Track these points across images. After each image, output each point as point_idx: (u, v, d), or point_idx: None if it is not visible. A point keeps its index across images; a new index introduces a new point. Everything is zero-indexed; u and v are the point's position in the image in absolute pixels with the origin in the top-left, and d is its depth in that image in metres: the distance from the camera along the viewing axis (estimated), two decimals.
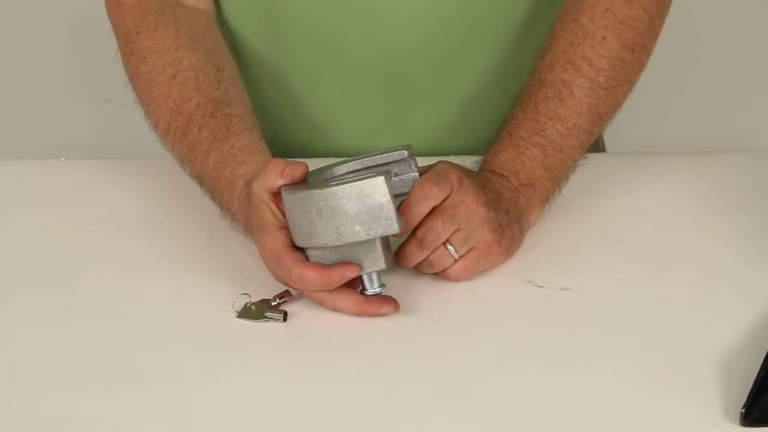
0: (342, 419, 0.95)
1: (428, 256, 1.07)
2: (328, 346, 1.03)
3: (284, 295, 1.07)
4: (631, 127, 2.15)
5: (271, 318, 1.05)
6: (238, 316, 1.06)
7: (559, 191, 1.17)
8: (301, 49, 1.29)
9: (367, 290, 1.05)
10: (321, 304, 1.05)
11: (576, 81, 1.16)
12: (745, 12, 2.19)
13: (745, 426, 0.92)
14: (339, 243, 1.02)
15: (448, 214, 1.06)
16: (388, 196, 1.01)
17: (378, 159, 1.09)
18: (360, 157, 1.09)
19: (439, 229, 1.06)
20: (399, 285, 1.08)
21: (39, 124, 2.25)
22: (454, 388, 0.97)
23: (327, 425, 0.94)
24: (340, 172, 1.08)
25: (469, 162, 1.16)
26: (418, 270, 1.09)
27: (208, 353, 1.02)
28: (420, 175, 1.09)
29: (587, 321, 1.05)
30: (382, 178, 1.00)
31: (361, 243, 1.02)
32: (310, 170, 1.06)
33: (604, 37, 1.18)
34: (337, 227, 1.01)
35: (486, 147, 1.18)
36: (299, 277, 1.03)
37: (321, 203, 1.01)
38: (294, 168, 1.04)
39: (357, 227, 1.01)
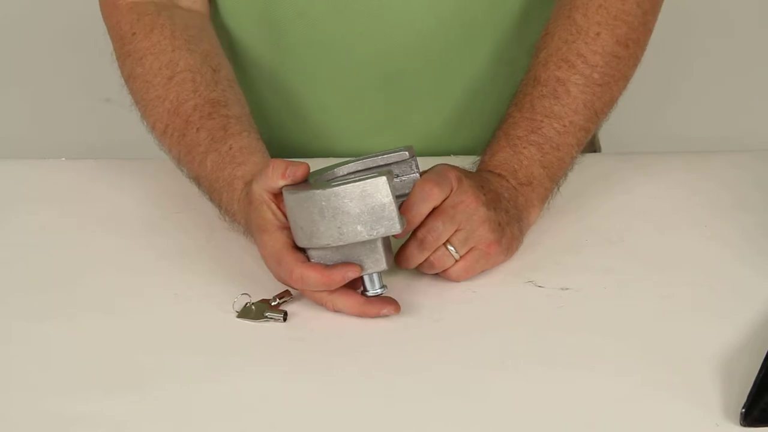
0: (342, 419, 0.95)
1: (429, 256, 1.07)
2: (328, 346, 1.03)
3: (284, 295, 1.07)
4: (631, 127, 2.16)
5: (271, 318, 1.05)
6: (238, 316, 1.06)
7: (558, 189, 1.17)
8: (300, 50, 1.29)
9: (368, 291, 1.05)
10: (322, 305, 1.05)
11: (571, 78, 1.17)
12: (746, 11, 2.19)
13: (745, 426, 0.92)
14: (341, 243, 1.02)
15: (448, 215, 1.06)
16: (391, 196, 1.01)
17: (379, 160, 1.09)
18: (361, 158, 1.09)
19: (440, 229, 1.06)
20: (399, 285, 1.08)
21: (39, 124, 2.25)
22: (454, 388, 0.97)
23: (327, 425, 0.94)
24: (341, 173, 1.08)
25: (467, 162, 1.17)
26: (419, 271, 1.09)
27: (208, 353, 1.02)
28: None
29: (587, 321, 1.05)
30: (384, 178, 1.00)
31: (363, 243, 1.02)
32: (311, 171, 1.06)
33: (598, 34, 1.18)
34: (339, 227, 1.01)
35: (483, 147, 1.18)
36: (300, 277, 1.03)
37: (323, 203, 1.01)
38: (295, 169, 1.04)
39: (359, 227, 1.01)
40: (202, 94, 1.18)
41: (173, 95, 1.18)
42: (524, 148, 1.15)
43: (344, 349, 1.02)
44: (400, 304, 1.05)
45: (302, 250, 1.05)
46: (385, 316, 1.05)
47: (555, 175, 1.16)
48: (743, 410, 0.92)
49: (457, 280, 1.09)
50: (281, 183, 1.05)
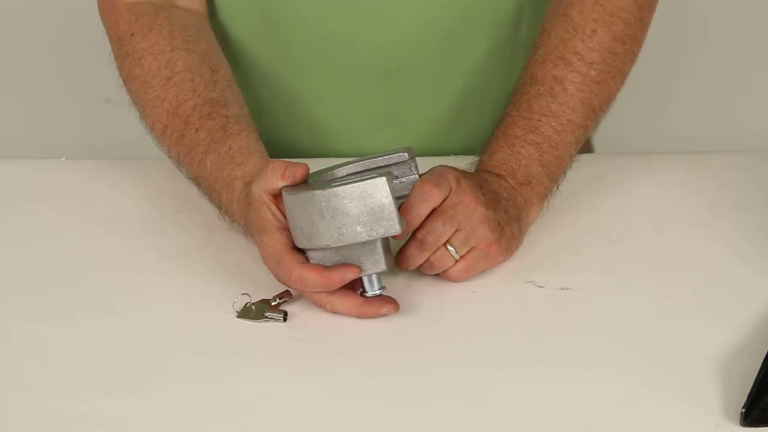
0: (342, 419, 0.95)
1: (429, 257, 1.07)
2: (328, 346, 1.03)
3: (284, 295, 1.07)
4: (631, 127, 2.16)
5: (271, 318, 1.05)
6: (238, 316, 1.06)
7: (557, 188, 1.17)
8: (297, 47, 1.28)
9: (367, 292, 1.05)
10: (320, 306, 1.05)
11: (568, 76, 1.17)
12: (746, 11, 2.19)
13: (745, 426, 0.92)
14: (340, 244, 1.02)
15: (447, 215, 1.06)
16: (390, 197, 1.01)
17: (379, 161, 1.09)
18: (360, 159, 1.09)
19: (439, 230, 1.06)
20: (399, 285, 1.08)
21: (39, 124, 2.25)
22: (454, 388, 0.97)
23: (327, 425, 0.94)
24: (340, 174, 1.08)
25: (466, 163, 1.17)
26: (419, 271, 1.09)
27: (208, 353, 1.02)
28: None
29: (587, 321, 1.05)
30: (384, 178, 1.00)
31: (362, 244, 1.02)
32: (310, 172, 1.06)
33: (594, 31, 1.18)
34: (338, 228, 1.01)
35: (482, 146, 1.18)
36: (299, 278, 1.03)
37: (322, 204, 1.01)
38: (295, 170, 1.04)
39: (359, 228, 1.01)
40: (201, 94, 1.18)
41: (172, 96, 1.18)
42: (522, 147, 1.15)
43: (344, 349, 1.02)
44: (400, 304, 1.05)
45: (301, 251, 1.05)
46: (384, 315, 1.04)
47: (554, 174, 1.16)
48: (743, 410, 0.92)
49: (457, 280, 1.09)
50: (281, 184, 1.04)
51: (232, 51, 1.30)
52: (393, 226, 1.01)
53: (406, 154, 1.09)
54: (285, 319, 1.05)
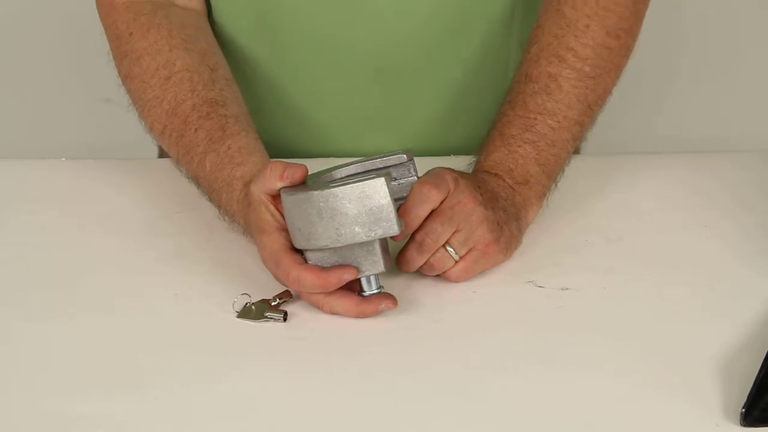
0: (342, 419, 0.95)
1: (429, 259, 1.07)
2: (328, 346, 1.03)
3: (284, 295, 1.07)
4: (631, 126, 2.16)
5: (271, 318, 1.05)
6: (238, 316, 1.06)
7: (556, 186, 1.17)
8: (293, 48, 1.28)
9: (365, 292, 1.05)
10: (318, 307, 1.05)
11: (562, 73, 1.16)
12: (746, 11, 2.19)
13: (745, 426, 0.92)
14: (338, 244, 1.01)
15: (446, 216, 1.06)
16: (389, 198, 1.01)
17: (378, 162, 1.09)
18: (359, 160, 1.09)
19: (438, 231, 1.06)
20: (399, 285, 1.08)
21: (39, 124, 2.25)
22: (454, 388, 0.97)
23: (327, 425, 0.94)
24: (339, 175, 1.08)
25: (463, 163, 1.17)
26: (420, 273, 1.09)
27: (208, 353, 1.02)
28: None
29: (587, 321, 1.05)
30: (382, 179, 1.00)
31: (360, 245, 1.02)
32: (309, 173, 1.06)
33: (587, 26, 1.18)
34: (336, 228, 1.01)
35: (479, 147, 1.18)
36: (297, 279, 1.03)
37: (321, 204, 1.01)
38: (293, 171, 1.04)
39: (357, 228, 1.01)
40: (200, 93, 1.18)
41: (171, 95, 1.18)
42: (519, 146, 1.15)
43: (344, 348, 1.02)
44: (400, 305, 1.05)
45: (300, 252, 1.05)
46: (383, 311, 1.04)
47: (552, 172, 1.16)
48: (743, 410, 0.92)
49: (457, 281, 1.09)
50: (279, 185, 1.04)
51: (228, 51, 1.30)
52: (391, 227, 1.01)
53: (405, 155, 1.09)
54: (285, 319, 1.05)
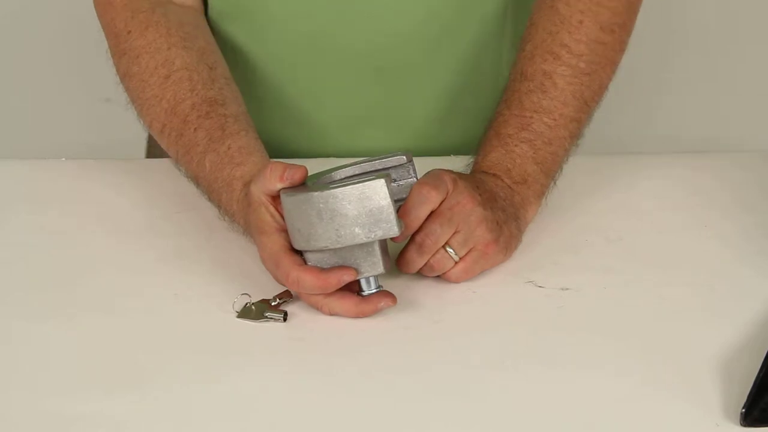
0: (342, 419, 0.95)
1: (429, 260, 1.07)
2: (328, 347, 1.03)
3: (284, 296, 1.07)
4: (631, 126, 2.15)
5: (271, 318, 1.05)
6: (238, 316, 1.06)
7: (554, 184, 1.17)
8: (287, 45, 1.28)
9: (364, 292, 1.05)
10: (318, 308, 1.05)
11: (557, 70, 1.16)
12: (746, 11, 2.19)
13: (745, 426, 0.92)
14: (338, 246, 1.01)
15: (445, 217, 1.06)
16: (389, 199, 1.00)
17: (377, 164, 1.09)
18: (359, 161, 1.09)
19: (438, 232, 1.06)
20: (399, 286, 1.08)
21: (39, 124, 2.25)
22: (454, 388, 0.97)
23: (327, 425, 0.94)
24: (338, 177, 1.08)
25: (462, 164, 1.17)
26: (420, 273, 1.09)
27: (208, 353, 1.02)
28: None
29: (587, 321, 1.05)
30: (382, 180, 1.00)
31: (360, 246, 1.02)
32: (308, 174, 1.06)
33: (581, 22, 1.18)
34: (336, 230, 1.01)
35: (476, 147, 1.18)
36: (296, 280, 1.03)
37: (321, 205, 1.01)
38: (293, 172, 1.04)
39: (357, 230, 1.01)
40: (199, 93, 1.17)
41: (170, 94, 1.18)
42: (516, 146, 1.15)
43: (344, 349, 1.02)
44: (400, 305, 1.05)
45: (299, 253, 1.05)
46: (383, 309, 1.04)
47: (550, 170, 1.16)
48: (743, 410, 0.92)
49: (457, 281, 1.09)
50: (279, 186, 1.04)
51: (224, 50, 1.29)
52: (391, 228, 1.01)
53: (405, 157, 1.09)
54: (285, 319, 1.05)
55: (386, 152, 1.10)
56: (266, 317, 1.05)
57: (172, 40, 1.20)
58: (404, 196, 1.07)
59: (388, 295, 1.04)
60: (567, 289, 1.09)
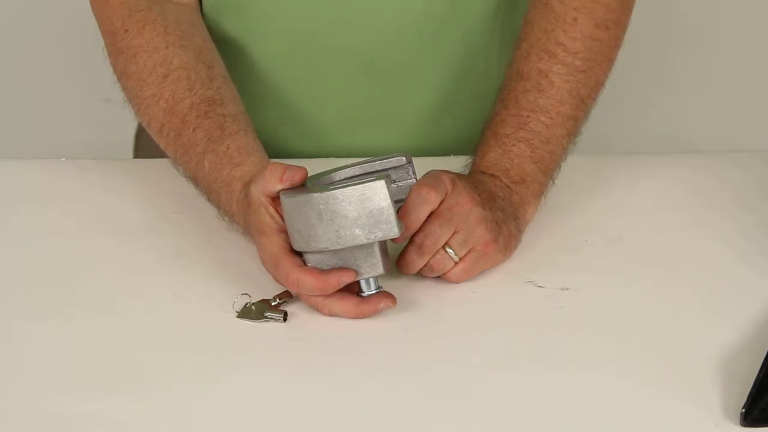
0: (342, 419, 0.95)
1: (428, 260, 1.07)
2: (328, 347, 1.03)
3: (284, 296, 1.07)
4: (631, 127, 2.15)
5: (271, 318, 1.05)
6: (238, 316, 1.06)
7: (553, 182, 1.17)
8: (283, 45, 1.28)
9: (363, 293, 1.05)
10: (317, 309, 1.05)
11: (553, 69, 1.16)
12: (746, 11, 2.19)
13: (745, 426, 0.92)
14: (338, 247, 1.01)
15: (444, 217, 1.06)
16: (389, 200, 1.00)
17: (377, 165, 1.09)
18: (358, 162, 1.09)
19: (437, 233, 1.06)
20: (399, 286, 1.08)
21: (39, 124, 2.25)
22: (454, 388, 0.97)
23: (327, 425, 0.94)
24: (338, 178, 1.08)
25: (461, 164, 1.17)
26: (420, 274, 1.09)
27: (208, 353, 1.02)
28: None
29: (587, 321, 1.05)
30: (382, 181, 1.00)
31: (360, 247, 1.02)
32: (308, 175, 1.06)
33: (575, 19, 1.18)
34: (336, 231, 1.01)
35: (474, 148, 1.18)
36: (296, 281, 1.03)
37: (321, 207, 1.01)
38: (293, 173, 1.04)
39: (357, 231, 1.01)
40: (198, 92, 1.17)
41: (168, 94, 1.18)
42: (513, 145, 1.15)
43: (344, 349, 1.02)
44: (400, 305, 1.05)
45: (299, 254, 1.05)
46: (383, 310, 1.04)
47: (548, 169, 1.16)
48: (743, 410, 0.92)
49: (457, 282, 1.09)
50: (279, 187, 1.04)
51: (216, 45, 1.29)
52: (392, 229, 1.01)
53: (404, 158, 1.09)
54: (285, 319, 1.05)
55: (381, 150, 1.10)
56: (266, 317, 1.05)
57: (170, 38, 1.20)
58: (404, 197, 1.07)
59: (388, 296, 1.04)
60: (567, 289, 1.09)
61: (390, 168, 1.09)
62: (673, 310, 1.06)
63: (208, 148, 1.14)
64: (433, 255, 1.07)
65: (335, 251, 1.03)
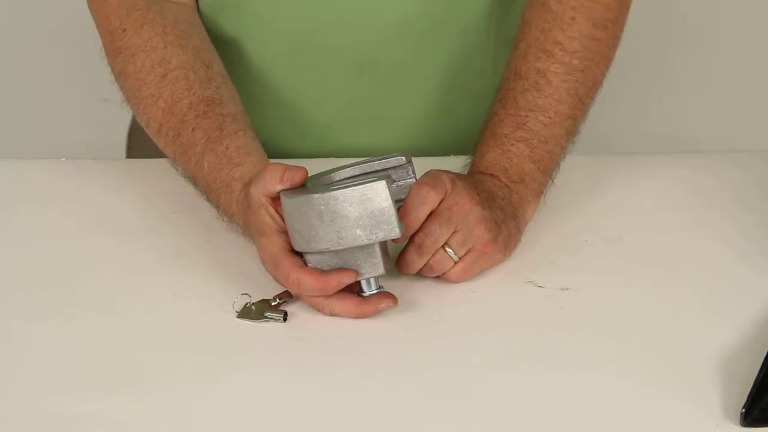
0: (342, 419, 0.95)
1: (428, 260, 1.07)
2: (328, 347, 1.03)
3: (284, 296, 1.07)
4: (631, 127, 2.15)
5: (271, 318, 1.05)
6: (238, 316, 1.06)
7: (552, 182, 1.17)
8: (276, 40, 1.28)
9: (364, 293, 1.05)
10: (318, 309, 1.05)
11: (551, 68, 1.17)
12: (746, 11, 2.19)
13: (745, 426, 0.92)
14: (340, 247, 1.01)
15: (444, 217, 1.06)
16: (390, 200, 1.00)
17: (376, 165, 1.09)
18: (358, 162, 1.09)
19: (437, 232, 1.06)
20: (399, 286, 1.08)
21: (39, 124, 2.25)
22: (454, 388, 0.97)
23: (327, 425, 0.94)
24: (338, 178, 1.08)
25: (460, 164, 1.17)
26: (420, 274, 1.09)
27: (208, 353, 1.02)
28: None
29: (587, 321, 1.05)
30: (383, 182, 1.00)
31: (361, 248, 1.02)
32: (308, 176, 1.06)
33: (573, 18, 1.18)
34: (338, 231, 1.01)
35: (473, 148, 1.18)
36: (296, 282, 1.03)
37: (322, 207, 1.01)
38: (293, 173, 1.04)
39: (358, 231, 1.01)
40: (196, 92, 1.17)
41: (167, 94, 1.18)
42: (512, 145, 1.15)
43: (344, 349, 1.02)
44: (400, 305, 1.05)
45: (299, 254, 1.05)
46: (384, 310, 1.04)
47: (547, 168, 1.16)
48: (743, 410, 0.92)
49: (456, 281, 1.09)
50: (279, 187, 1.04)
51: (213, 43, 1.29)
52: (393, 230, 1.01)
53: (404, 157, 1.09)
54: (285, 319, 1.05)
55: (379, 150, 1.11)
56: (266, 317, 1.05)
57: (168, 38, 1.20)
58: (403, 196, 1.07)
59: (389, 296, 1.04)
60: (567, 289, 1.09)
61: (389, 168, 1.09)
62: (673, 310, 1.06)
63: (207, 148, 1.14)
64: (433, 255, 1.07)
65: (336, 252, 1.03)
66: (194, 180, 1.16)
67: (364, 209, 1.01)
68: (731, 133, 2.15)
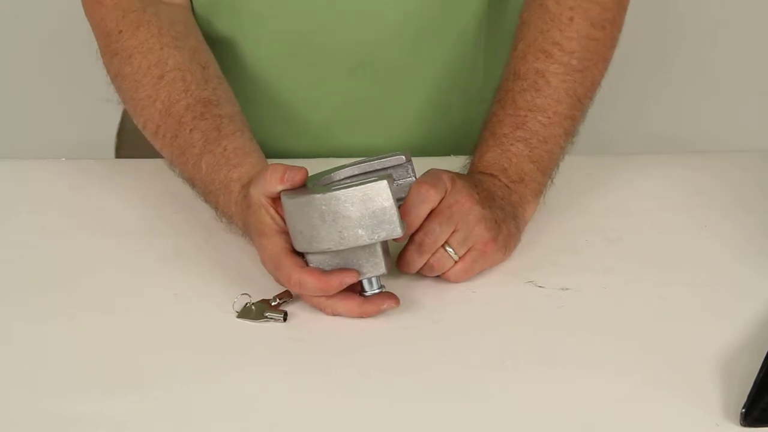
0: (341, 419, 0.95)
1: (428, 259, 1.07)
2: (327, 347, 1.03)
3: (284, 296, 1.07)
4: (631, 127, 2.15)
5: (271, 318, 1.05)
6: (238, 317, 1.06)
7: (551, 181, 1.17)
8: (270, 41, 1.28)
9: (366, 292, 1.05)
10: (320, 309, 1.05)
11: (549, 68, 1.17)
12: (746, 11, 2.19)
13: (745, 426, 0.92)
14: (341, 247, 1.01)
15: (444, 216, 1.06)
16: (392, 200, 1.00)
17: (376, 164, 1.09)
18: (358, 162, 1.09)
19: (437, 231, 1.06)
20: (399, 286, 1.08)
21: (39, 124, 2.25)
22: (454, 388, 0.97)
23: (327, 425, 0.94)
24: (338, 178, 1.08)
25: (460, 164, 1.17)
26: (420, 274, 1.09)
27: (208, 353, 1.02)
28: None
29: (587, 321, 1.05)
30: (385, 182, 1.00)
31: (362, 247, 1.02)
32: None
33: (571, 18, 1.18)
34: (339, 231, 1.01)
35: (472, 148, 1.18)
36: (298, 282, 1.03)
37: (323, 207, 1.01)
38: (294, 173, 1.04)
39: (360, 231, 1.01)
40: (193, 93, 1.17)
41: (164, 95, 1.18)
42: (511, 145, 1.15)
43: (344, 349, 1.02)
44: (400, 305, 1.05)
45: (301, 255, 1.05)
46: (386, 311, 1.04)
47: (546, 168, 1.16)
48: (743, 410, 0.92)
49: (456, 281, 1.09)
50: (279, 188, 1.04)
51: (208, 44, 1.29)
52: (395, 229, 1.01)
53: (403, 156, 1.09)
54: (285, 320, 1.05)
55: (377, 149, 1.10)
56: (266, 317, 1.05)
57: (164, 39, 1.20)
58: (403, 195, 1.07)
59: (392, 296, 1.05)
60: (567, 289, 1.09)
61: (390, 167, 1.09)
62: (673, 310, 1.06)
63: (204, 149, 1.14)
64: (433, 254, 1.07)
65: (337, 251, 1.03)
66: (192, 181, 1.16)
67: (365, 209, 1.01)
68: (731, 133, 2.15)
